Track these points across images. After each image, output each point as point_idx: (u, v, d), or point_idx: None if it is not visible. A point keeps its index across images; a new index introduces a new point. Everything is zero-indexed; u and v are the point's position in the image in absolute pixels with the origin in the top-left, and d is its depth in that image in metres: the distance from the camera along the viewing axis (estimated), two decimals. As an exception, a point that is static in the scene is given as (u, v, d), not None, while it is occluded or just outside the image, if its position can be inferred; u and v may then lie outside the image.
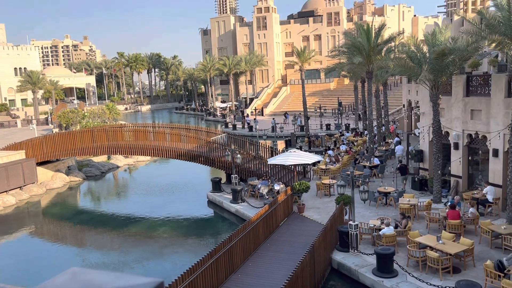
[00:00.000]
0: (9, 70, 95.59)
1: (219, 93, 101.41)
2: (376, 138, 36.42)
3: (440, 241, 14.92)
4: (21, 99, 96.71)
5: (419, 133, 26.80)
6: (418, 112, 27.44)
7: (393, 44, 33.55)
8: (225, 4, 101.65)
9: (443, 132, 22.20)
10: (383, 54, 31.33)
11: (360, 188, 18.65)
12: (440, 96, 21.14)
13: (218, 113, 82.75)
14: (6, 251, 22.76)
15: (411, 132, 33.49)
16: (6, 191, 30.59)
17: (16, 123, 72.55)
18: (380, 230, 16.82)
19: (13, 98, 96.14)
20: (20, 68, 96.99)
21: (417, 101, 29.42)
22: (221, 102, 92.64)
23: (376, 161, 28.99)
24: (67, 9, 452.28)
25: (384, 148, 34.74)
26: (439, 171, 21.36)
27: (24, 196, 31.39)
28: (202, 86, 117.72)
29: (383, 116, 41.02)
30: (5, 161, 31.78)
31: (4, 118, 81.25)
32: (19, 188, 31.73)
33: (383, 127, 42.32)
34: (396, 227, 17.18)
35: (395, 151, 31.07)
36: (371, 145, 32.12)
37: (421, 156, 25.35)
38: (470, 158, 22.00)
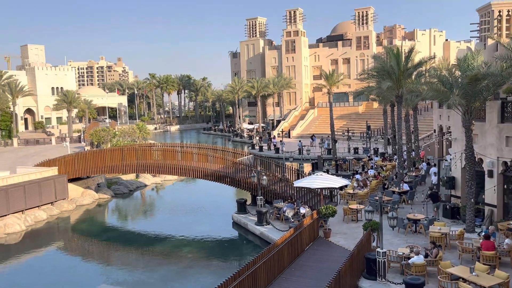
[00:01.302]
0: (47, 89, 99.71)
1: (247, 114, 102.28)
2: (405, 164, 35.61)
3: (473, 273, 14.26)
4: (57, 117, 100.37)
5: (451, 159, 26.07)
6: (450, 138, 26.77)
7: (423, 68, 33.10)
8: (255, 28, 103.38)
9: (476, 159, 21.50)
10: (413, 78, 30.91)
11: (388, 214, 18.19)
12: (473, 121, 20.57)
13: (245, 134, 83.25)
14: (35, 265, 23.23)
15: (442, 158, 32.61)
16: (38, 206, 31.45)
17: (50, 140, 75.12)
18: (409, 258, 16.26)
19: (49, 116, 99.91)
20: (57, 87, 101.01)
21: (449, 127, 28.73)
22: (248, 123, 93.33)
23: (405, 187, 28.28)
24: (104, 32, 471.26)
25: (414, 174, 33.89)
26: (472, 199, 20.60)
27: (55, 211, 32.15)
28: (230, 108, 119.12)
29: (413, 141, 40.16)
30: (38, 177, 32.80)
31: (40, 135, 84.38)
32: (50, 204, 32.57)
33: (413, 152, 41.39)
34: (426, 256, 16.57)
35: (430, 173, 30.28)
36: (401, 171, 31.41)
37: (453, 183, 24.56)
38: (505, 186, 21.13)
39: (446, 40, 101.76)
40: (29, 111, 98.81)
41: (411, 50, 30.48)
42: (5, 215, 28.81)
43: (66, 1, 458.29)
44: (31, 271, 22.21)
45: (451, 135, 26.12)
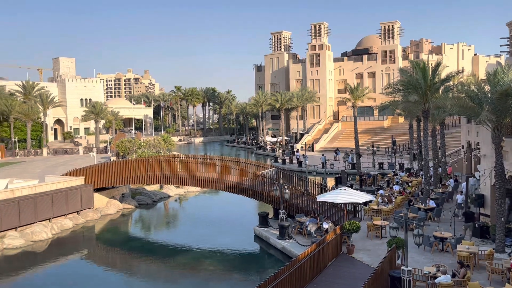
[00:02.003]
0: (76, 100, 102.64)
1: (270, 127, 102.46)
2: (432, 180, 34.80)
3: (504, 296, 13.69)
4: (85, 128, 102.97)
5: (479, 176, 25.32)
6: (478, 154, 26.06)
7: (451, 83, 32.51)
8: (280, 41, 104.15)
9: (506, 176, 20.81)
10: (440, 93, 30.37)
11: (414, 232, 17.75)
12: (503, 138, 19.98)
13: (268, 147, 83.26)
14: (60, 273, 23.64)
15: (470, 175, 31.71)
16: (64, 215, 32.13)
17: (78, 150, 77.00)
18: (435, 278, 15.77)
19: (78, 126, 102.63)
20: (85, 99, 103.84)
21: (478, 143, 27.98)
22: (272, 136, 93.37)
23: (432, 204, 27.59)
24: (132, 45, 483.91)
25: (440, 191, 33.06)
26: (502, 218, 19.88)
27: (81, 220, 32.77)
28: (254, 120, 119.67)
29: (439, 156, 39.29)
30: (65, 186, 33.58)
31: (68, 145, 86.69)
32: (76, 213, 33.24)
33: (440, 168, 40.43)
34: (453, 276, 16.04)
35: (462, 188, 29.51)
36: (427, 187, 30.69)
37: (481, 201, 23.81)
38: (537, 205, 20.35)
39: (475, 54, 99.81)
40: (58, 121, 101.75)
41: (438, 65, 30.03)
42: (33, 223, 29.53)
43: (97, 16, 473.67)
44: (56, 279, 22.60)
45: (480, 151, 25.43)
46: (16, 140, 75.28)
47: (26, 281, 22.38)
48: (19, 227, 28.75)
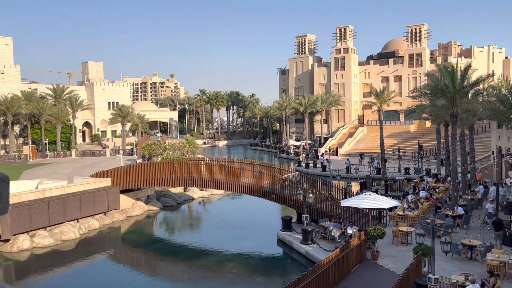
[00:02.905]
0: (104, 104, 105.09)
1: (294, 131, 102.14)
2: (460, 186, 33.93)
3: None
4: (112, 130, 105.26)
5: (511, 182, 24.54)
6: (510, 160, 25.26)
7: (481, 86, 31.70)
8: (304, 45, 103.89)
9: (539, 183, 20.09)
10: (469, 97, 29.65)
11: (441, 239, 17.31)
12: (536, 143, 19.32)
13: (292, 151, 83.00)
14: (87, 272, 24.17)
15: (501, 182, 30.75)
16: (91, 216, 32.86)
17: (105, 152, 78.73)
18: (464, 287, 15.34)
19: (105, 129, 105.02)
20: (113, 102, 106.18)
21: (509, 148, 27.13)
22: (295, 140, 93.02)
23: (460, 211, 26.86)
24: (159, 49, 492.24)
25: (469, 197, 32.18)
26: (535, 227, 19.19)
27: (107, 221, 33.43)
28: (277, 124, 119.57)
29: (468, 162, 38.28)
30: (93, 187, 34.35)
31: (96, 147, 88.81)
32: (103, 213, 33.92)
33: (469, 174, 39.39)
34: (483, 285, 15.55)
35: (492, 194, 28.68)
36: (455, 193, 29.94)
37: (513, 209, 23.03)
38: None
39: (506, 57, 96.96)
40: (86, 124, 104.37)
41: (467, 68, 29.32)
42: (62, 223, 30.32)
43: (126, 22, 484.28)
44: (84, 278, 23.12)
45: (511, 157, 24.64)
46: (47, 142, 77.61)
47: (55, 279, 22.99)
48: (48, 226, 29.56)
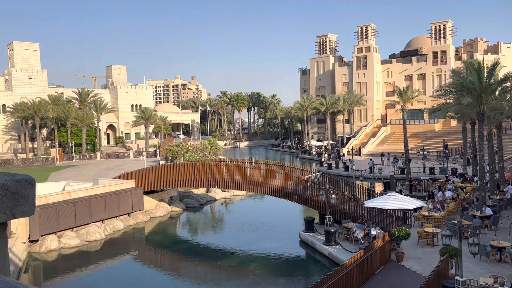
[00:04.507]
0: (127, 106, 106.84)
1: (315, 131, 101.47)
2: (488, 186, 33.01)
3: None
4: (135, 133, 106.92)
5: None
6: (540, 159, 24.42)
7: (509, 83, 30.75)
8: (325, 44, 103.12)
9: None
10: (497, 94, 28.83)
11: (469, 240, 16.86)
12: None
13: (314, 152, 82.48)
14: (112, 273, 24.63)
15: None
16: (116, 217, 33.43)
17: (129, 154, 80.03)
18: (493, 290, 14.89)
19: (129, 131, 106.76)
20: (136, 105, 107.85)
21: (539, 146, 26.23)
22: (317, 140, 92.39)
23: (488, 211, 26.13)
24: (181, 52, 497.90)
25: (498, 197, 31.26)
26: None
27: (131, 222, 33.94)
28: (299, 124, 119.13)
29: (496, 161, 37.20)
30: (117, 188, 34.95)
31: (120, 149, 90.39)
32: (127, 215, 34.47)
33: (497, 174, 38.27)
34: (513, 288, 15.07)
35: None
36: (483, 193, 29.14)
37: (544, 209, 22.26)
38: None
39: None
40: (111, 126, 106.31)
41: (495, 65, 28.52)
42: (88, 224, 30.96)
43: (148, 27, 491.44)
44: (109, 278, 23.56)
45: (542, 156, 23.82)
46: (73, 144, 79.46)
47: (82, 279, 23.47)
48: (75, 227, 30.23)
